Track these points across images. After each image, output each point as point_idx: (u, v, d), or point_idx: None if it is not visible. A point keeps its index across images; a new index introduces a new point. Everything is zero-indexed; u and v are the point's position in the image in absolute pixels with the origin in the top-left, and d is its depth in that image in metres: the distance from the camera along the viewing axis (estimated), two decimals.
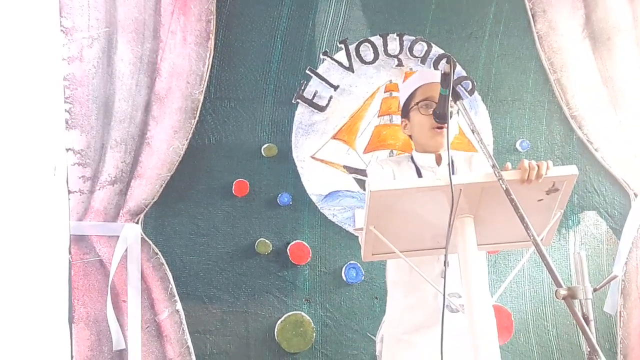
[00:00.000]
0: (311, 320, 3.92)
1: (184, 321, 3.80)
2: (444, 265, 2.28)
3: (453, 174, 2.73)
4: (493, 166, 2.14)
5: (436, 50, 4.24)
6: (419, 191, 2.23)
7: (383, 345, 2.80)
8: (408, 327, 2.69)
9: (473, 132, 2.27)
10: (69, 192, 3.72)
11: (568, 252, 4.20)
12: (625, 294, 4.22)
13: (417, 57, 4.22)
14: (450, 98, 2.40)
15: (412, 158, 2.85)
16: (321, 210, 4.01)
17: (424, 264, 2.40)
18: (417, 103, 2.78)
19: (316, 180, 4.02)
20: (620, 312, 4.19)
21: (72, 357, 3.60)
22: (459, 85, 4.21)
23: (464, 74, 4.26)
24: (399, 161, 2.87)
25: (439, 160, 2.80)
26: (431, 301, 2.65)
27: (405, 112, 2.87)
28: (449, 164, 2.24)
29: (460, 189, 2.18)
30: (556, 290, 1.81)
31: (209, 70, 3.97)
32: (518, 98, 4.33)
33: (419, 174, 2.79)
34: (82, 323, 3.69)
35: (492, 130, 4.25)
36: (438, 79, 2.62)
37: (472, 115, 4.13)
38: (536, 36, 4.38)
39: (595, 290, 1.92)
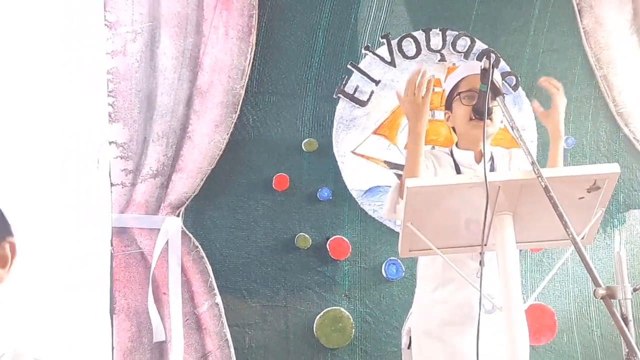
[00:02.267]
0: (350, 316, 3.91)
1: (223, 314, 3.81)
2: (480, 264, 2.25)
3: (492, 170, 2.71)
4: (532, 163, 2.11)
5: (480, 46, 4.20)
6: (456, 188, 2.21)
7: (411, 338, 2.78)
8: (438, 321, 2.68)
9: (512, 129, 2.24)
10: (112, 184, 3.75)
11: (613, 251, 4.13)
12: None
13: (460, 52, 4.18)
14: (490, 94, 2.37)
15: (451, 153, 2.83)
16: (361, 206, 3.99)
17: (457, 262, 2.38)
18: (460, 94, 2.77)
19: (356, 176, 4.00)
20: None
21: (112, 348, 3.63)
22: (503, 81, 4.16)
23: (508, 69, 4.21)
24: (438, 155, 2.86)
25: (478, 158, 2.77)
26: (462, 298, 2.62)
27: (448, 104, 2.86)
28: (484, 160, 2.21)
29: (499, 186, 2.16)
30: (595, 290, 1.78)
31: (250, 64, 3.97)
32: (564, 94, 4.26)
33: (458, 171, 2.77)
34: (122, 314, 3.72)
35: (536, 127, 4.19)
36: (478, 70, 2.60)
37: (515, 111, 4.10)
38: (582, 32, 4.31)
39: (635, 290, 1.87)
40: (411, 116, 2.58)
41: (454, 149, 2.84)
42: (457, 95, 2.79)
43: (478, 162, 2.77)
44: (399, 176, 3.96)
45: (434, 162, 2.81)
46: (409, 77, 2.60)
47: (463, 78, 2.80)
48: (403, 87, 2.63)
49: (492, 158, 2.82)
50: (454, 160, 2.80)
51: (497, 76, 2.82)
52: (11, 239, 1.32)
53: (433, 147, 3.98)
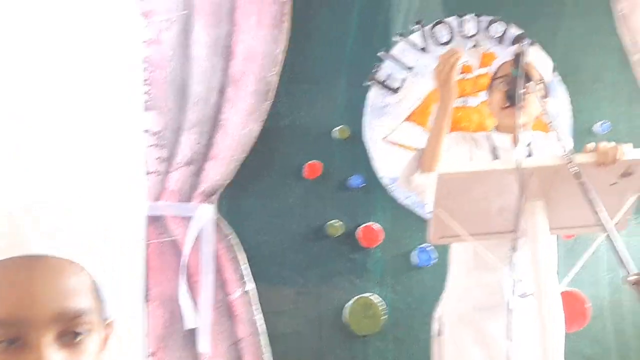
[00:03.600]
0: (383, 303, 3.91)
1: (255, 301, 3.84)
2: (512, 249, 2.25)
3: (530, 155, 2.70)
4: (564, 149, 2.10)
5: (514, 31, 4.15)
6: (488, 174, 2.21)
7: (444, 323, 2.78)
8: (470, 306, 2.67)
9: (544, 114, 2.23)
10: (147, 173, 3.78)
11: None
12: None
13: (494, 38, 4.15)
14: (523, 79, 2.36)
15: (490, 137, 2.83)
16: (392, 194, 3.99)
17: (490, 248, 2.37)
18: (497, 79, 2.76)
19: (388, 163, 3.99)
20: None
21: (146, 335, 3.68)
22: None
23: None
24: (477, 139, 2.85)
25: (515, 142, 2.76)
26: (494, 283, 2.62)
27: (490, 89, 2.85)
28: (518, 147, 2.20)
29: (532, 172, 2.15)
30: (624, 277, 1.76)
31: (283, 52, 3.97)
32: (599, 79, 4.22)
33: (495, 155, 2.76)
34: (156, 301, 3.76)
35: (572, 112, 4.15)
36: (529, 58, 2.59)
37: (550, 97, 4.06)
38: (618, 16, 4.25)
39: None
40: (441, 86, 2.59)
41: (493, 132, 2.83)
42: (494, 80, 2.79)
43: (515, 145, 2.75)
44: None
45: (470, 146, 2.80)
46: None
47: (504, 63, 2.79)
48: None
49: (530, 143, 2.80)
50: (493, 144, 2.79)
51: (543, 63, 2.81)
52: (109, 320, 1.35)
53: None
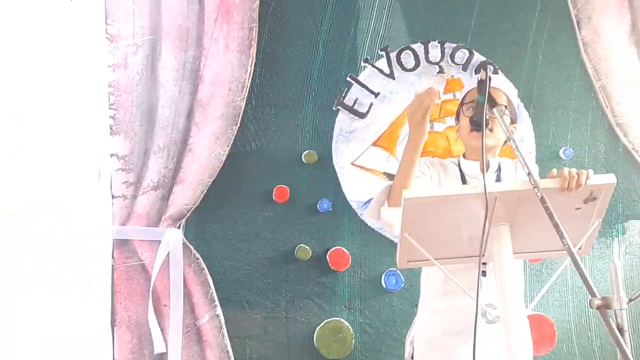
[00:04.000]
0: (350, 327, 3.92)
1: (224, 326, 3.83)
2: (480, 274, 2.26)
3: (499, 181, 2.73)
4: (528, 174, 2.13)
5: (478, 58, 4.21)
6: (454, 199, 2.22)
7: (414, 347, 2.79)
8: (440, 330, 2.68)
9: (508, 140, 2.26)
10: (113, 197, 3.77)
11: (616, 261, 4.13)
12: None
13: (458, 64, 4.20)
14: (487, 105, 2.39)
15: (458, 163, 2.85)
16: (361, 217, 4.01)
17: (461, 272, 2.39)
18: (463, 105, 2.79)
19: (356, 187, 4.02)
20: None
21: (114, 359, 3.64)
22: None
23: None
24: (445, 165, 2.87)
25: (483, 168, 2.78)
26: (464, 307, 2.63)
27: (457, 115, 2.87)
28: (484, 171, 2.23)
29: (496, 197, 2.17)
30: (590, 300, 1.79)
31: (250, 77, 3.99)
32: (562, 105, 4.28)
33: (464, 181, 2.78)
34: (124, 326, 3.74)
35: (534, 138, 4.20)
36: (494, 84, 2.62)
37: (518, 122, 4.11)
38: (581, 43, 4.32)
39: (630, 300, 1.89)
40: (414, 126, 2.58)
41: (462, 159, 2.85)
42: (461, 106, 2.82)
43: (483, 171, 2.77)
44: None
45: (439, 172, 2.82)
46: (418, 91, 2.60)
47: (471, 89, 2.82)
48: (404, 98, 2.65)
49: (499, 169, 2.82)
50: (461, 171, 2.81)
51: (510, 89, 2.84)
52: None
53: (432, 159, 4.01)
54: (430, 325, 2.74)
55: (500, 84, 2.83)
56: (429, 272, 2.80)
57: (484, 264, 2.42)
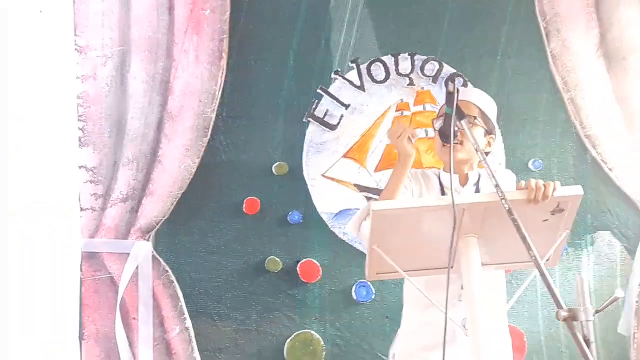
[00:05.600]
0: (321, 339, 3.91)
1: (193, 339, 3.80)
2: (461, 287, 2.28)
3: (477, 192, 2.74)
4: (496, 186, 2.13)
5: (448, 70, 4.24)
6: (422, 211, 2.23)
7: None
8: (422, 344, 2.67)
9: (477, 151, 2.27)
10: (81, 209, 3.73)
11: (582, 273, 4.16)
12: (639, 315, 4.17)
13: (428, 76, 4.22)
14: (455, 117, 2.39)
15: (439, 175, 2.85)
16: (331, 229, 4.00)
17: (443, 284, 2.38)
18: (436, 118, 2.79)
19: (327, 199, 4.02)
20: (634, 333, 4.14)
21: None
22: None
23: None
24: (428, 175, 2.86)
25: (463, 181, 2.78)
26: (443, 321, 2.63)
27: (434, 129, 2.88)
28: (451, 182, 2.23)
29: (464, 209, 2.18)
30: (557, 312, 1.80)
31: (221, 88, 3.98)
32: (531, 117, 4.31)
33: (443, 193, 2.78)
34: (91, 340, 3.70)
35: (504, 150, 4.23)
36: (464, 96, 2.65)
37: (483, 134, 4.13)
38: (550, 55, 4.36)
39: (597, 311, 1.90)
40: (400, 152, 2.65)
41: (441, 172, 2.85)
42: (434, 120, 2.83)
43: (463, 184, 2.78)
44: (369, 199, 3.98)
45: (421, 184, 2.81)
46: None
47: (443, 104, 2.82)
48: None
49: (478, 182, 2.82)
50: (441, 183, 2.82)
51: (485, 102, 2.85)
52: None
53: None
54: (411, 340, 2.73)
55: (478, 96, 2.84)
56: (410, 286, 2.78)
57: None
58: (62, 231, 3.56)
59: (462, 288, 2.32)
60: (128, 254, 3.76)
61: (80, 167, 3.76)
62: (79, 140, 3.78)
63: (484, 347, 2.16)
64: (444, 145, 2.69)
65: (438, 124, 2.73)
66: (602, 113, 4.33)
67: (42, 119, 3.42)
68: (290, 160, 4.03)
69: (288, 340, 3.89)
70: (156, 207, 3.83)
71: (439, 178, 2.83)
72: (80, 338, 3.66)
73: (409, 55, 4.22)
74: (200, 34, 3.98)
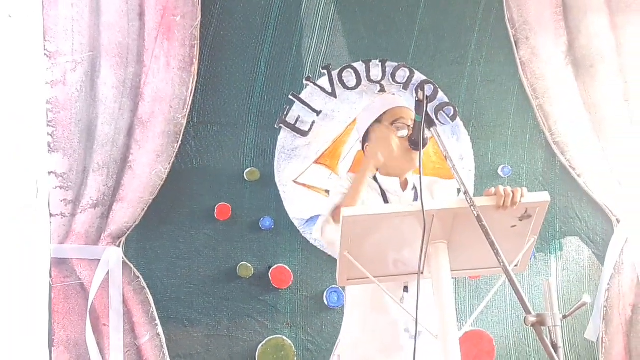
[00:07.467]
0: (292, 345, 3.91)
1: (165, 345, 3.79)
2: (404, 290, 2.32)
3: (415, 199, 2.76)
4: (465, 192, 2.16)
5: (418, 77, 4.27)
6: (392, 217, 2.24)
7: None
8: (369, 349, 2.68)
9: (446, 159, 2.29)
10: (51, 215, 3.71)
11: (550, 278, 4.20)
12: (608, 320, 4.23)
13: (399, 83, 4.25)
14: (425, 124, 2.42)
15: (375, 179, 2.85)
16: (303, 235, 4.01)
17: (388, 289, 2.40)
18: (392, 123, 2.78)
19: (298, 205, 4.02)
20: (602, 338, 4.20)
21: None
22: (441, 111, 4.24)
23: (446, 100, 4.29)
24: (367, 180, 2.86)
25: (403, 186, 2.81)
26: (390, 324, 2.65)
27: (366, 136, 2.87)
28: (420, 189, 2.25)
29: (433, 215, 2.20)
30: (525, 317, 1.83)
31: (192, 94, 3.98)
32: (500, 124, 4.36)
33: (385, 197, 2.80)
34: (62, 347, 3.67)
35: (474, 156, 4.27)
36: (402, 103, 2.70)
37: (454, 141, 4.18)
38: (519, 62, 4.42)
39: (564, 317, 1.92)
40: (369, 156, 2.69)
41: (378, 175, 2.85)
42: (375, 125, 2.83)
43: (403, 189, 2.81)
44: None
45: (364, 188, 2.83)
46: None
47: (386, 111, 2.83)
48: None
49: (414, 187, 2.85)
50: (380, 187, 2.83)
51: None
52: None
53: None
54: (357, 343, 2.73)
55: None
56: (355, 291, 2.79)
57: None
58: (31, 237, 3.54)
59: (405, 291, 2.37)
60: (98, 260, 3.74)
61: (49, 172, 3.73)
62: (49, 145, 3.75)
63: (453, 352, 2.17)
64: (412, 151, 2.71)
65: (404, 130, 2.75)
66: (570, 120, 4.40)
67: (11, 124, 3.40)
68: (262, 166, 4.04)
69: (260, 346, 3.89)
70: (127, 213, 3.82)
71: (377, 182, 2.84)
72: (50, 345, 3.64)
73: (380, 62, 4.24)
74: (171, 40, 3.98)
